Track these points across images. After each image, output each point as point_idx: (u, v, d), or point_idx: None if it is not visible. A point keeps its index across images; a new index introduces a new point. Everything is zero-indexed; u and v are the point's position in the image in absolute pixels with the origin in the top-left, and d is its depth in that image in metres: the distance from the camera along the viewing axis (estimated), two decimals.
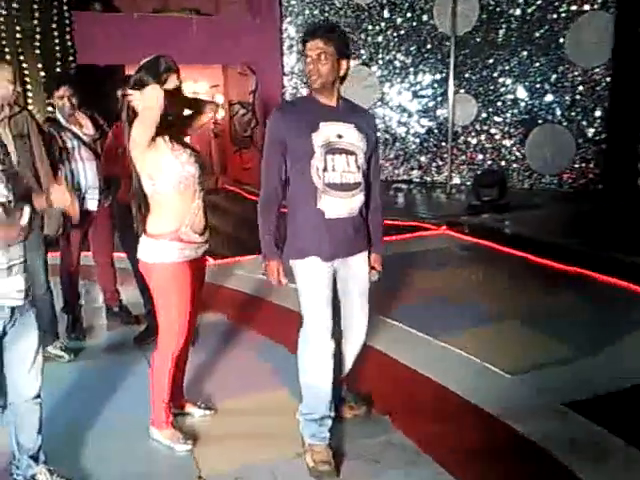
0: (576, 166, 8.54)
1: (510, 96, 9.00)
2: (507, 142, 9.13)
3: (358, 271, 2.67)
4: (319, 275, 2.54)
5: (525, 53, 8.78)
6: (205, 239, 2.66)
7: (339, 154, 2.47)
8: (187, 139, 2.77)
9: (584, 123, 8.42)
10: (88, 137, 3.91)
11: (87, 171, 3.86)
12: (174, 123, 2.55)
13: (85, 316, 4.08)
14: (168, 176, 2.48)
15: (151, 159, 2.46)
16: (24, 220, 2.05)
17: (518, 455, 2.67)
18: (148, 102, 2.34)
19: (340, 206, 2.49)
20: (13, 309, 2.15)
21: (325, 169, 2.45)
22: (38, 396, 2.34)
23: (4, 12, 8.08)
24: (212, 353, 3.66)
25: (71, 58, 8.50)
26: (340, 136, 2.47)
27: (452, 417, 2.94)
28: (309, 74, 2.46)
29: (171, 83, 2.45)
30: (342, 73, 2.49)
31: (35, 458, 2.39)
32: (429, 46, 9.57)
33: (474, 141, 9.38)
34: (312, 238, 2.51)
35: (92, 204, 3.90)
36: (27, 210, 2.07)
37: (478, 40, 9.09)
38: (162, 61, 2.44)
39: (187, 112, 2.72)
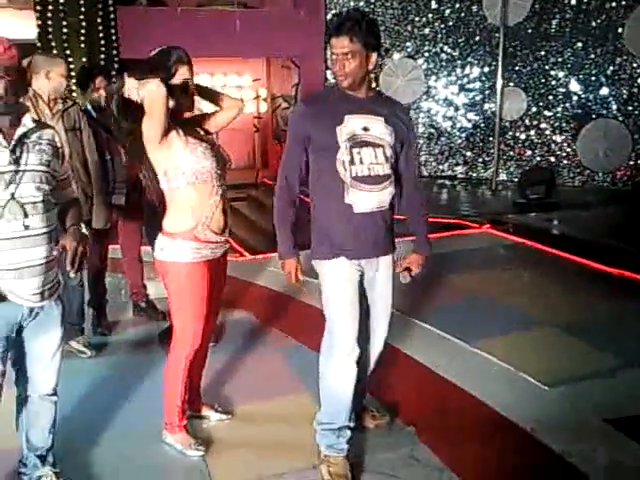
0: (631, 163, 8.09)
1: (562, 89, 8.60)
2: (558, 138, 8.73)
3: (385, 274, 2.53)
4: (346, 277, 2.40)
5: (580, 44, 8.37)
6: (224, 239, 2.54)
7: (366, 147, 2.34)
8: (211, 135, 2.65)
9: None
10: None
11: (116, 164, 3.82)
12: (188, 117, 2.44)
13: (111, 311, 4.04)
14: (182, 172, 2.37)
15: (164, 154, 2.36)
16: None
17: (553, 477, 2.46)
18: (151, 97, 2.23)
19: (370, 199, 2.36)
20: (31, 308, 2.09)
21: (352, 162, 2.33)
22: (54, 394, 2.29)
23: (51, 7, 8.23)
24: (235, 353, 3.56)
25: (115, 52, 8.58)
26: (366, 129, 2.34)
27: (482, 431, 2.74)
28: (336, 73, 2.34)
29: (181, 75, 2.34)
30: (372, 67, 2.34)
31: (43, 458, 2.34)
32: (478, 38, 9.25)
33: (523, 136, 9.03)
34: (340, 236, 2.38)
35: (120, 198, 3.85)
36: None
37: (529, 31, 8.72)
38: (173, 52, 2.34)
39: (210, 108, 2.62)
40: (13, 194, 1.96)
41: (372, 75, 2.43)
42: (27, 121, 2.04)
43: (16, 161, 1.97)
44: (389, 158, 2.39)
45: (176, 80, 2.33)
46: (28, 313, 2.08)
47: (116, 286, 4.65)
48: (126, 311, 4.25)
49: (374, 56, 2.33)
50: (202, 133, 2.52)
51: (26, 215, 1.99)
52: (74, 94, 7.12)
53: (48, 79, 3.22)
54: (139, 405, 3.00)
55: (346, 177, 2.34)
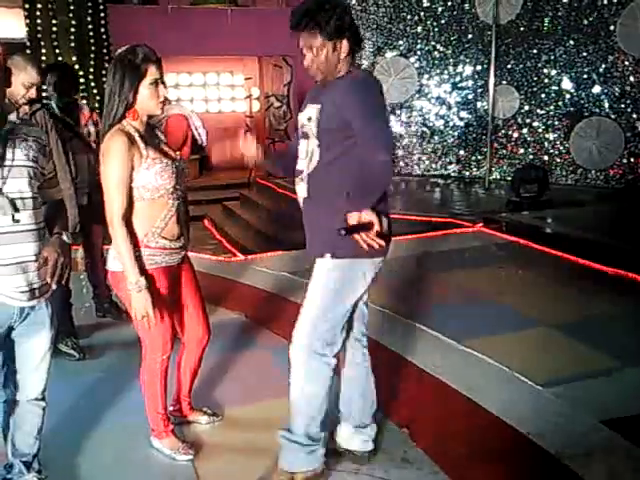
0: (624, 161, 8.07)
1: (555, 87, 8.58)
2: (550, 136, 8.72)
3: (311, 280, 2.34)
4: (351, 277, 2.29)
5: (572, 42, 8.33)
6: (179, 245, 2.44)
7: (303, 139, 2.28)
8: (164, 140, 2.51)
9: (634, 116, 7.93)
10: (84, 129, 3.82)
11: (78, 163, 3.74)
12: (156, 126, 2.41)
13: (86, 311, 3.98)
14: (137, 186, 2.29)
15: None
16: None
17: (547, 479, 2.42)
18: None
19: (298, 193, 2.33)
20: (22, 308, 2.04)
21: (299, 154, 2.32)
22: (42, 399, 2.24)
23: (40, 5, 8.15)
24: (225, 354, 3.50)
25: (105, 50, 8.52)
26: (310, 119, 2.23)
27: (475, 432, 2.70)
28: (306, 69, 2.22)
29: (151, 75, 2.26)
30: (344, 55, 2.16)
31: (28, 464, 2.28)
32: (470, 36, 9.21)
33: (515, 134, 9.01)
34: None
35: (82, 198, 3.77)
36: None
37: (522, 29, 8.70)
38: (139, 51, 2.24)
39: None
40: (1, 189, 1.93)
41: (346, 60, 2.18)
42: (13, 118, 2.01)
43: (2, 157, 1.94)
44: (308, 153, 2.23)
45: (147, 80, 2.25)
46: (19, 313, 2.04)
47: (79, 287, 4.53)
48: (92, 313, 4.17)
49: (344, 43, 2.14)
50: (165, 146, 2.44)
51: (16, 210, 1.96)
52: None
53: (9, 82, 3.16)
54: (128, 408, 2.93)
55: None
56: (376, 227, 2.04)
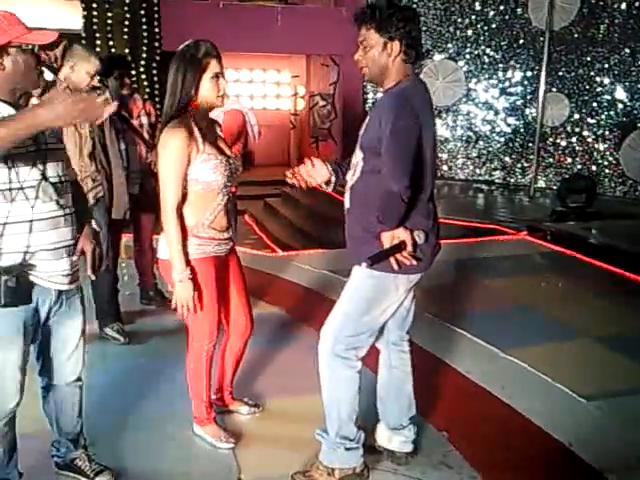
0: None
1: (607, 97, 8.41)
2: (600, 146, 8.54)
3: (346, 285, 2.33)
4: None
5: (628, 50, 8.15)
6: (227, 236, 2.49)
7: (356, 149, 2.26)
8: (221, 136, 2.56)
9: None
10: (136, 121, 3.92)
11: (130, 154, 3.82)
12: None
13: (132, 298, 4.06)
14: (190, 179, 2.34)
15: None
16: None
17: None
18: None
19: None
20: (60, 292, 2.07)
21: None
22: (79, 379, 2.29)
23: None
24: (265, 347, 3.53)
25: (157, 44, 8.69)
26: (363, 130, 2.25)
27: (515, 440, 2.68)
28: (355, 62, 2.23)
29: (211, 69, 2.30)
30: (393, 57, 2.14)
31: (75, 442, 2.35)
32: (521, 41, 9.10)
33: (564, 143, 8.85)
34: None
35: (134, 188, 3.85)
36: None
37: (576, 36, 8.54)
38: (201, 45, 2.28)
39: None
40: (44, 174, 1.94)
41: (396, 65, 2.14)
42: (35, 102, 2.02)
43: (35, 140, 1.90)
44: (354, 164, 2.23)
45: (208, 74, 2.30)
46: (56, 299, 2.06)
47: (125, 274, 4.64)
48: (136, 300, 4.25)
49: (396, 45, 2.11)
50: (222, 143, 2.48)
51: (59, 194, 1.98)
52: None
53: (72, 71, 3.25)
54: (171, 393, 2.98)
55: None
56: (409, 248, 2.07)
